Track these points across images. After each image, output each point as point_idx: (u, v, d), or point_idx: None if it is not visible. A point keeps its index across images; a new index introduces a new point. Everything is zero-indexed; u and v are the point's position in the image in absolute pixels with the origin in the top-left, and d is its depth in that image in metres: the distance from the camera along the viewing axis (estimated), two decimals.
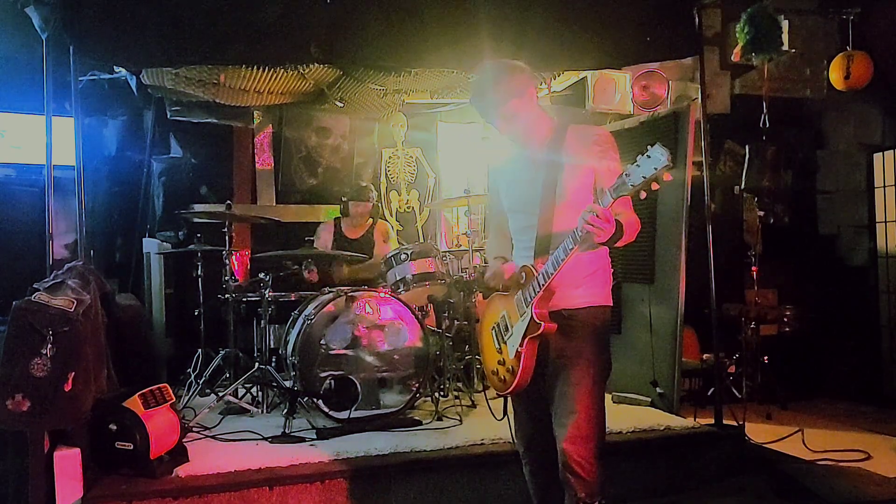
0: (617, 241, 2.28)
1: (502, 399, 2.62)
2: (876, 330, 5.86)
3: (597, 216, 2.11)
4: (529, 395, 2.49)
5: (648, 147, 2.00)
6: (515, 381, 2.40)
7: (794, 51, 5.53)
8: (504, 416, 2.66)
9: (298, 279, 4.83)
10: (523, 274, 2.43)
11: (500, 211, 2.67)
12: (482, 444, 3.53)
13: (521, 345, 2.38)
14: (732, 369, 5.19)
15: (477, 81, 2.49)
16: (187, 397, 4.36)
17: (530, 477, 2.65)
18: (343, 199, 5.21)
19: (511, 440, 2.75)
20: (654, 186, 2.02)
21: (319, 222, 5.49)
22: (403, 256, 4.45)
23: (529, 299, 2.37)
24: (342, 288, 4.29)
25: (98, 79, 4.95)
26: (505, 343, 2.49)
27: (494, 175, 2.71)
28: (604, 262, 2.51)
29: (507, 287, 2.51)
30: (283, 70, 4.66)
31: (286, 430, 3.71)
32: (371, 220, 5.26)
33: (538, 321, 2.33)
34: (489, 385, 2.65)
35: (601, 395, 2.42)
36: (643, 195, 2.08)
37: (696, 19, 4.02)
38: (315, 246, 4.97)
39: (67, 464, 2.88)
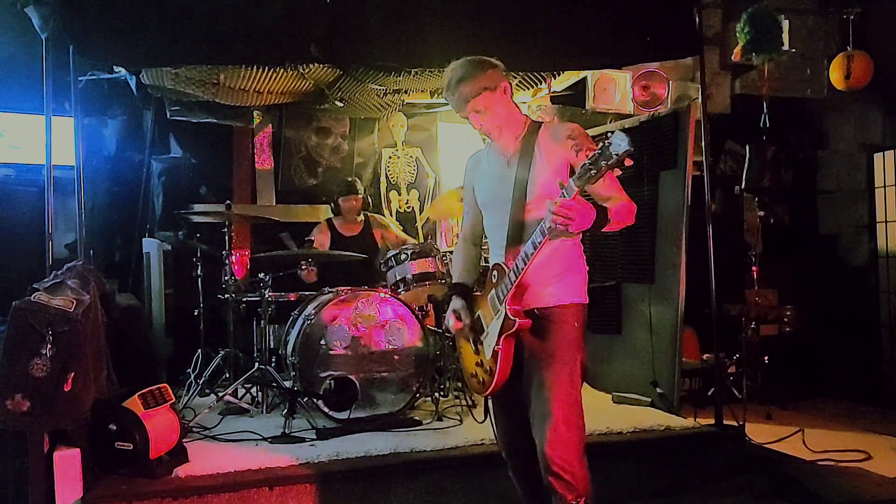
0: (602, 227, 2.26)
1: (483, 401, 2.62)
2: (876, 330, 5.85)
3: (561, 207, 2.10)
4: (507, 397, 2.47)
5: (609, 134, 2.01)
6: (494, 382, 2.40)
7: (794, 51, 5.53)
8: (486, 419, 2.65)
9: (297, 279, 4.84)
10: (495, 272, 2.42)
11: (474, 207, 2.67)
12: (482, 444, 3.52)
13: (497, 343, 2.36)
14: (733, 369, 5.18)
15: (448, 75, 2.48)
16: (187, 397, 4.36)
17: (516, 479, 2.65)
18: (332, 198, 5.24)
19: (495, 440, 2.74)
20: (617, 172, 2.04)
21: (319, 222, 5.49)
22: (403, 256, 4.45)
23: (503, 297, 2.35)
24: (342, 288, 4.29)
25: (98, 79, 4.95)
26: (482, 343, 2.47)
27: (469, 171, 2.70)
28: (576, 259, 2.48)
29: (468, 327, 2.51)
30: (283, 70, 4.65)
31: (286, 431, 3.71)
32: (362, 216, 5.26)
33: (512, 318, 2.32)
34: (471, 388, 2.65)
35: (577, 396, 2.38)
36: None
37: (696, 19, 4.02)
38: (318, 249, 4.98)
39: (67, 464, 2.88)
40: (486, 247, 2.73)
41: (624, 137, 1.96)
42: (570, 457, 2.31)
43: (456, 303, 2.58)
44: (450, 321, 2.57)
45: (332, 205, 5.27)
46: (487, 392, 2.46)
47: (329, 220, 5.27)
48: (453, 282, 2.70)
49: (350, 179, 5.35)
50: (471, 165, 2.71)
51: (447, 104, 6.18)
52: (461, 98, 2.44)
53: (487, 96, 2.42)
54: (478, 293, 2.54)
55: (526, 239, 2.32)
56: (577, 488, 2.30)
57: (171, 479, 3.10)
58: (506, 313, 2.33)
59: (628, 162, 1.99)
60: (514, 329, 2.32)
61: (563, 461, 2.30)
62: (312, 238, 5.06)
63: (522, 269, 2.29)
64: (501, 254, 2.45)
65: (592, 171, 2.03)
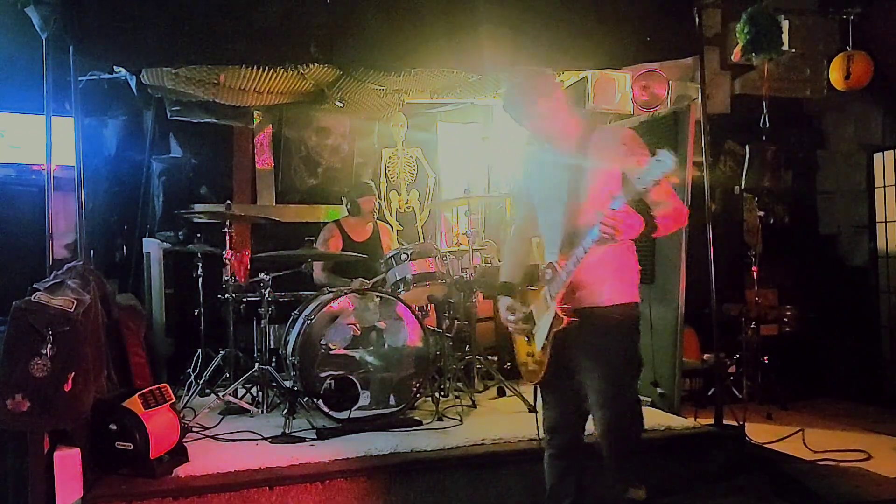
0: (650, 235, 2.42)
1: (533, 389, 2.81)
2: (876, 330, 5.85)
3: (608, 218, 2.26)
4: (556, 384, 2.65)
5: (657, 151, 2.13)
6: (543, 372, 2.58)
7: (794, 51, 5.51)
8: (535, 404, 2.87)
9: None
10: (549, 270, 2.55)
11: (529, 206, 2.82)
12: (482, 444, 3.53)
13: (546, 338, 2.52)
14: (733, 369, 5.19)
15: (507, 86, 2.70)
16: (187, 397, 4.36)
17: (549, 461, 2.78)
18: (350, 198, 5.14)
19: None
20: (674, 180, 2.21)
21: (319, 222, 5.48)
22: (403, 256, 4.45)
23: (553, 295, 2.49)
24: (342, 288, 4.29)
25: (98, 79, 4.94)
26: (533, 336, 2.62)
27: (526, 171, 2.87)
28: (629, 259, 2.62)
29: (524, 307, 2.67)
30: (283, 70, 4.66)
31: (286, 430, 3.71)
32: (372, 222, 5.25)
33: (561, 316, 2.47)
34: (523, 376, 2.83)
35: (633, 388, 2.62)
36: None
37: (696, 19, 4.03)
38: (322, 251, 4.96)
39: (67, 464, 2.88)
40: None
41: (670, 156, 2.09)
42: (623, 444, 2.56)
43: (505, 301, 2.73)
44: (508, 318, 2.71)
45: (349, 206, 5.16)
46: (537, 381, 2.66)
47: (338, 224, 5.20)
48: (501, 280, 2.83)
49: (367, 181, 5.35)
50: (526, 165, 2.89)
51: (447, 104, 6.24)
52: (519, 105, 2.61)
53: (544, 103, 2.58)
54: (533, 288, 2.68)
55: (579, 240, 2.45)
56: (628, 472, 2.57)
57: (171, 479, 3.11)
58: (555, 311, 2.47)
59: (674, 180, 2.13)
60: (562, 326, 2.48)
61: (617, 447, 2.55)
62: (326, 243, 5.03)
63: (572, 270, 2.44)
64: (556, 252, 2.57)
65: (640, 187, 2.17)
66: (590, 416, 2.68)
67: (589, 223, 2.41)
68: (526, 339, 2.68)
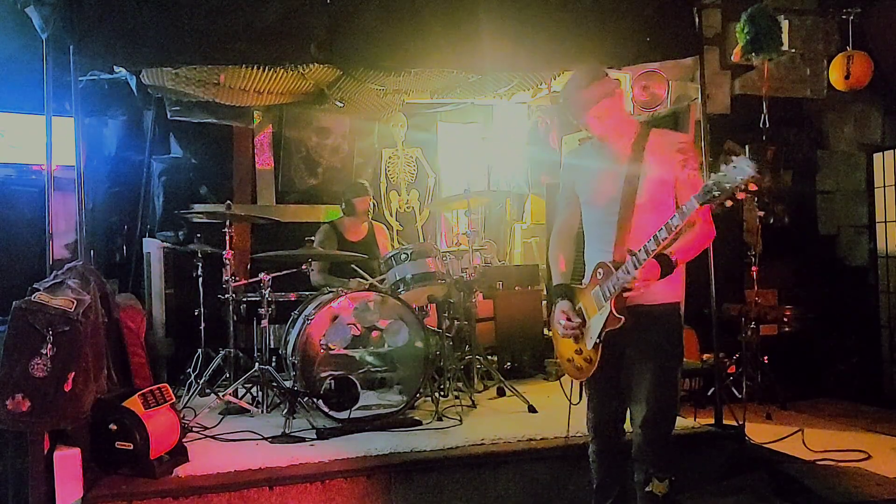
0: (671, 272, 2.45)
1: (578, 384, 2.81)
2: (876, 330, 5.85)
3: (636, 284, 2.39)
4: (602, 380, 2.67)
5: (733, 157, 2.08)
6: (593, 370, 2.61)
7: (794, 51, 5.52)
8: (579, 401, 2.83)
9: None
10: (601, 270, 2.55)
11: (573, 203, 2.78)
12: (482, 444, 3.53)
13: (599, 336, 2.54)
14: (732, 369, 5.18)
15: (570, 82, 2.65)
16: (187, 397, 4.37)
17: (595, 456, 2.81)
18: (345, 198, 5.11)
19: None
20: (740, 196, 2.11)
21: (319, 222, 5.47)
22: (403, 256, 4.45)
23: (608, 295, 2.50)
24: (342, 288, 4.29)
25: (98, 79, 4.94)
26: (582, 334, 2.62)
27: (570, 167, 2.83)
28: None
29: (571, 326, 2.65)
30: (283, 70, 4.66)
31: (286, 430, 3.71)
32: (367, 222, 5.23)
33: (618, 315, 2.48)
34: (563, 372, 2.83)
35: (674, 384, 2.65)
36: (728, 203, 2.16)
37: (696, 19, 4.03)
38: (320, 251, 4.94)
39: (67, 464, 2.88)
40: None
41: (749, 163, 2.03)
42: (660, 437, 2.59)
43: (564, 304, 2.69)
44: (560, 321, 2.67)
45: (344, 205, 5.11)
46: (583, 377, 2.68)
47: (332, 225, 5.17)
48: (556, 283, 2.79)
49: (361, 181, 5.29)
50: (572, 162, 2.85)
51: (447, 104, 6.24)
52: (582, 104, 2.59)
53: (606, 103, 2.57)
54: (579, 286, 2.68)
55: (633, 240, 2.49)
56: (662, 464, 2.59)
57: (171, 479, 3.11)
58: (611, 310, 2.49)
59: (752, 187, 2.06)
60: (618, 325, 2.49)
61: (654, 439, 2.59)
62: (322, 244, 5.00)
63: (633, 273, 2.42)
64: (607, 251, 2.57)
65: (714, 193, 2.14)
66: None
67: (644, 223, 2.48)
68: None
